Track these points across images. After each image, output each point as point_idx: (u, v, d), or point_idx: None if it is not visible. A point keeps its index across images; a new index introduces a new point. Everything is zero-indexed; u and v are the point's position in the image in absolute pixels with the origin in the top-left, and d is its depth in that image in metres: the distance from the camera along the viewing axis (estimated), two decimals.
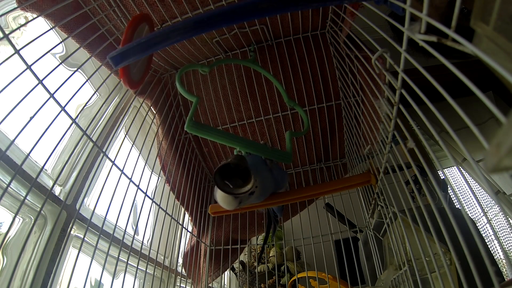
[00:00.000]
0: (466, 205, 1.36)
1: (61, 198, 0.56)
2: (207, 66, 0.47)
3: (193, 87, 0.77)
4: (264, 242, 0.69)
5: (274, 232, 0.66)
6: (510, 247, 1.30)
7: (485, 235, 1.22)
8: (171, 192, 0.77)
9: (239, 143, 0.36)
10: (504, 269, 0.88)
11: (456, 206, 0.86)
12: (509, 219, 1.12)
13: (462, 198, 1.43)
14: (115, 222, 0.50)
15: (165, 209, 0.62)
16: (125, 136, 0.59)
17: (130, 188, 0.52)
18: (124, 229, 0.51)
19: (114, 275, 0.48)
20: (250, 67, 0.72)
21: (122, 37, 0.40)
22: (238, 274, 1.18)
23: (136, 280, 0.60)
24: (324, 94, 0.75)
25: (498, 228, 1.31)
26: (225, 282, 1.22)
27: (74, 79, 0.43)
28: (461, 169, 1.18)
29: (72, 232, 0.58)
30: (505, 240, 1.29)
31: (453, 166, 1.48)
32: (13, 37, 0.53)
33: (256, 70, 0.73)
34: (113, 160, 0.50)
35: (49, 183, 0.55)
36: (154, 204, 0.60)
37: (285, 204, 0.64)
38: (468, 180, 1.26)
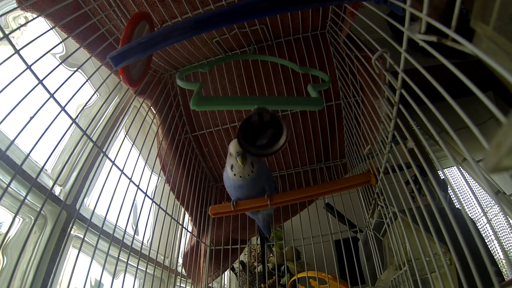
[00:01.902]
0: (466, 205, 1.36)
1: (61, 198, 0.56)
2: (206, 65, 0.46)
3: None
4: (263, 257, 0.72)
5: (269, 248, 0.69)
6: (510, 247, 1.30)
7: (485, 235, 1.22)
8: (171, 192, 0.77)
9: (258, 102, 0.30)
10: (504, 269, 0.88)
11: (456, 206, 0.86)
12: (509, 219, 1.12)
13: (462, 198, 1.43)
14: (115, 222, 0.50)
15: (165, 209, 0.62)
16: (125, 136, 0.59)
17: (130, 188, 0.52)
18: (124, 229, 0.51)
19: (114, 275, 0.48)
20: (250, 67, 0.72)
21: (122, 35, 0.40)
22: (238, 274, 1.18)
23: (136, 280, 0.60)
24: (324, 94, 0.75)
25: (498, 228, 1.31)
26: (225, 282, 1.22)
27: (74, 79, 0.43)
28: (461, 169, 1.18)
29: (72, 232, 0.58)
30: (505, 240, 1.29)
31: (453, 166, 1.48)
32: (13, 37, 0.53)
33: (256, 70, 0.73)
34: (113, 160, 0.50)
35: (49, 183, 0.55)
36: (154, 204, 0.60)
37: (270, 222, 0.66)
38: (468, 180, 1.26)
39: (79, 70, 0.49)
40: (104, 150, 0.50)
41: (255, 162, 0.52)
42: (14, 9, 0.42)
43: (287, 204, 0.76)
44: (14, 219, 0.37)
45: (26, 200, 0.47)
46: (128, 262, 0.55)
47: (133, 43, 0.29)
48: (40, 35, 0.39)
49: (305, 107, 0.34)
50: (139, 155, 0.58)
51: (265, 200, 0.54)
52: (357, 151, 0.70)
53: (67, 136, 0.61)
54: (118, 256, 0.50)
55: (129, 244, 0.55)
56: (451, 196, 0.91)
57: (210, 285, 0.80)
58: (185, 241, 0.83)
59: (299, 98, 0.33)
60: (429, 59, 0.35)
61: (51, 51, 0.41)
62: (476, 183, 1.24)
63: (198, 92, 0.33)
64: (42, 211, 0.52)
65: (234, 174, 0.52)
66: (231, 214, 0.62)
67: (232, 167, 0.52)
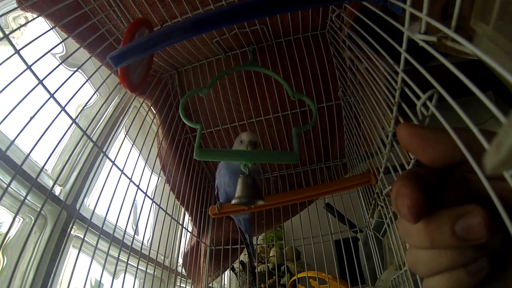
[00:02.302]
0: None
1: (61, 198, 0.56)
2: (205, 88, 0.47)
3: (193, 88, 0.77)
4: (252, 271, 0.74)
5: (255, 256, 0.72)
6: None
7: None
8: (171, 192, 0.77)
9: (247, 157, 0.38)
10: None
11: None
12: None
13: None
14: (115, 222, 0.50)
15: (165, 209, 0.62)
16: (125, 136, 0.59)
17: (130, 188, 0.52)
18: (124, 229, 0.51)
19: (114, 275, 0.48)
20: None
21: (122, 41, 0.40)
22: (238, 274, 1.18)
23: (136, 280, 0.60)
24: (324, 94, 0.75)
25: None
26: (225, 282, 1.22)
27: (74, 79, 0.43)
28: None
29: (72, 232, 0.58)
30: None
31: None
32: (13, 37, 0.53)
33: (256, 71, 0.73)
34: (113, 160, 0.50)
35: (49, 183, 0.55)
36: (154, 204, 0.60)
37: (252, 227, 0.72)
38: None
39: (79, 70, 0.49)
40: (104, 150, 0.50)
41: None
42: (14, 9, 0.42)
43: (279, 206, 0.77)
44: (14, 219, 0.37)
45: (26, 200, 0.47)
46: (128, 262, 0.55)
47: (133, 43, 0.29)
48: (40, 35, 0.39)
49: (284, 161, 0.39)
50: (139, 155, 0.58)
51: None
52: (357, 151, 0.70)
53: (67, 136, 0.61)
54: (118, 256, 0.50)
55: (129, 244, 0.55)
56: None
57: (210, 285, 0.80)
58: (185, 241, 0.83)
59: (280, 154, 0.41)
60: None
61: (51, 51, 0.41)
62: None
63: (199, 145, 0.36)
64: (42, 211, 0.52)
65: (244, 165, 0.55)
66: (232, 214, 0.63)
67: None
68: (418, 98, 0.26)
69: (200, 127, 0.38)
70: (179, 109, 0.41)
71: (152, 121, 0.69)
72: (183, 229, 0.76)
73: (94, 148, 0.63)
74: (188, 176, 0.77)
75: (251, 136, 0.53)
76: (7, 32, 0.33)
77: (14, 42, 0.34)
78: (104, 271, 0.47)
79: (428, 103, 0.24)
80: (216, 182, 0.65)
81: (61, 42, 0.48)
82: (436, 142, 0.18)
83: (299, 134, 0.80)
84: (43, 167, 0.37)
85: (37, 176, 0.38)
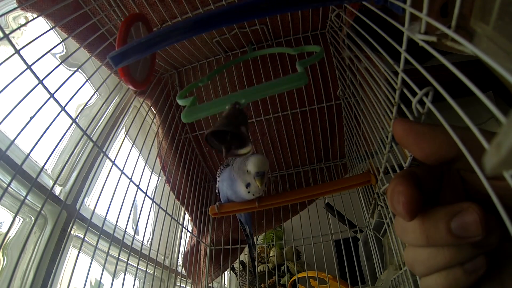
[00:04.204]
0: None
1: (61, 198, 0.56)
2: (205, 78, 0.46)
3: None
4: (254, 267, 0.77)
5: (255, 248, 0.74)
6: None
7: None
8: (171, 192, 0.77)
9: (242, 97, 0.31)
10: None
11: None
12: None
13: None
14: (115, 222, 0.50)
15: (165, 209, 0.62)
16: (125, 136, 0.59)
17: (130, 188, 0.52)
18: (124, 229, 0.51)
19: (114, 275, 0.48)
20: (250, 67, 0.72)
21: (117, 36, 0.40)
22: (238, 274, 1.18)
23: (136, 280, 0.60)
24: (324, 94, 0.75)
25: None
26: (225, 282, 1.22)
27: (74, 79, 0.43)
28: None
29: (72, 232, 0.58)
30: None
31: None
32: (13, 37, 0.53)
33: (256, 70, 0.73)
34: (113, 160, 0.50)
35: (49, 183, 0.55)
36: (154, 204, 0.60)
37: (252, 219, 0.72)
38: None
39: (79, 70, 0.49)
40: (104, 150, 0.50)
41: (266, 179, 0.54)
42: (14, 9, 0.42)
43: (279, 206, 0.77)
44: (14, 219, 0.37)
45: (26, 200, 0.47)
46: (128, 262, 0.55)
47: (133, 43, 0.29)
48: (40, 35, 0.39)
49: (290, 85, 0.31)
50: (139, 155, 0.58)
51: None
52: (357, 151, 0.70)
53: (67, 136, 0.61)
54: (118, 256, 0.50)
55: (129, 244, 0.55)
56: None
57: (210, 285, 0.80)
58: (185, 241, 0.83)
59: (282, 79, 0.31)
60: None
61: (51, 51, 0.41)
62: None
63: (190, 105, 0.32)
64: (42, 211, 0.52)
65: (248, 192, 0.54)
66: (231, 213, 0.63)
67: (248, 185, 0.53)
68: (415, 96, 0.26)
69: (193, 98, 0.35)
70: (177, 98, 0.38)
71: (152, 121, 0.69)
72: (183, 229, 0.76)
73: (94, 148, 0.63)
74: (188, 176, 0.77)
75: (259, 166, 0.49)
76: (7, 32, 0.33)
77: (14, 42, 0.34)
78: (104, 271, 0.47)
79: (424, 98, 0.24)
80: (217, 185, 0.65)
81: (61, 42, 0.48)
82: (431, 138, 0.18)
83: (298, 133, 0.80)
84: (43, 167, 0.37)
85: (37, 176, 0.38)
